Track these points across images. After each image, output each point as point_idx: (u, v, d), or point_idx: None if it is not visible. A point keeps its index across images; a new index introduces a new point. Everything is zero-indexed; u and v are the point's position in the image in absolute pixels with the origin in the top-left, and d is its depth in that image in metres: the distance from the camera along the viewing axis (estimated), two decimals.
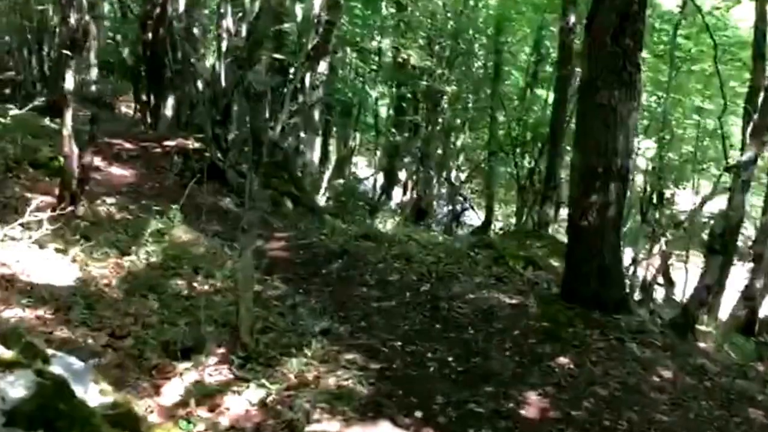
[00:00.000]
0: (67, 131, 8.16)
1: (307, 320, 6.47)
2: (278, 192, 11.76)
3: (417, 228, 14.46)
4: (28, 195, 8.98)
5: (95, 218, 8.49)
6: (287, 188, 12.37)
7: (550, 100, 17.16)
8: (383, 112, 21.95)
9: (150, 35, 13.90)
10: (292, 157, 13.88)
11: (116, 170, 11.40)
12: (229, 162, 11.16)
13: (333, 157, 21.42)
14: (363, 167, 23.94)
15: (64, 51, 7.92)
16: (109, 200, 9.60)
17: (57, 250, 7.15)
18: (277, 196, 11.63)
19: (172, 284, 6.94)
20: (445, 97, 17.45)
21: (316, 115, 17.50)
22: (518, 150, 17.97)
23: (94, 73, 11.55)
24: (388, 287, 7.34)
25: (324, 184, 18.38)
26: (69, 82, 8.13)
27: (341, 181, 20.98)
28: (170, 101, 15.04)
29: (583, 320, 6.24)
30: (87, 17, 8.22)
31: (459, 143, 21.00)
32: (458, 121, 19.93)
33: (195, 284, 7.00)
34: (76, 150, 8.33)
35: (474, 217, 21.69)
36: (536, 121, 17.78)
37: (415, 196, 18.74)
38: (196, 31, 13.70)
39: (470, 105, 19.92)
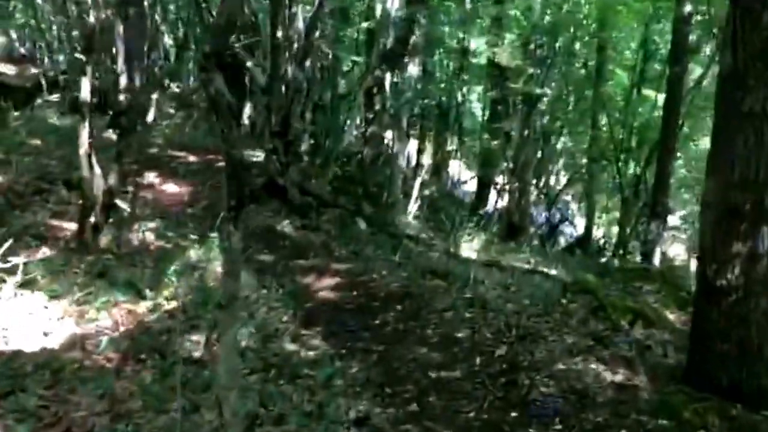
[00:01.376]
0: (83, 148, 6.77)
1: (343, 400, 4.78)
2: (348, 210, 10.14)
3: (505, 247, 12.59)
4: (53, 222, 7.70)
5: (123, 250, 7.08)
6: (360, 205, 10.75)
7: (660, 101, 14.93)
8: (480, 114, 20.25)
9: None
10: (370, 168, 12.24)
11: (171, 187, 10.06)
12: (290, 179, 9.62)
13: (428, 162, 19.80)
14: (461, 171, 22.17)
15: (77, 54, 6.56)
16: (151, 225, 8.24)
17: (51, 296, 5.73)
18: (346, 216, 10.01)
19: (186, 343, 5.40)
20: (542, 100, 15.39)
21: (404, 120, 15.91)
22: (622, 157, 15.79)
23: (122, 79, 10.21)
24: (453, 348, 5.55)
25: (415, 193, 16.80)
26: (85, 90, 6.72)
27: (434, 188, 19.40)
28: (247, 108, 13.71)
29: (719, 418, 4.30)
30: (109, 12, 6.87)
31: (558, 147, 19.00)
32: (557, 124, 17.89)
33: (214, 343, 5.42)
34: (98, 171, 6.94)
35: (573, 228, 19.60)
36: (643, 125, 15.54)
37: (506, 203, 16.79)
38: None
39: (570, 107, 17.82)
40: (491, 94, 16.47)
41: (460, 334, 5.77)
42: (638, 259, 13.96)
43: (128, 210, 7.47)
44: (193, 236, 7.69)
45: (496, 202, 18.28)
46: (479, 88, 19.18)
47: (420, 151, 20.63)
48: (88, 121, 6.68)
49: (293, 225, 9.19)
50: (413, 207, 16.84)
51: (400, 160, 16.29)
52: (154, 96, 11.71)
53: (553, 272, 8.97)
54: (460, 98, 18.80)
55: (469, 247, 11.94)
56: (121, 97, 10.09)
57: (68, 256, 6.64)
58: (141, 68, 10.79)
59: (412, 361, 5.41)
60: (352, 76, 15.11)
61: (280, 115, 9.42)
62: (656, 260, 13.84)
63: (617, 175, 15.74)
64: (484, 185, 18.26)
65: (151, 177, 10.05)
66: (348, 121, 11.60)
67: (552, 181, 20.16)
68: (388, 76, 12.73)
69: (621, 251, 14.75)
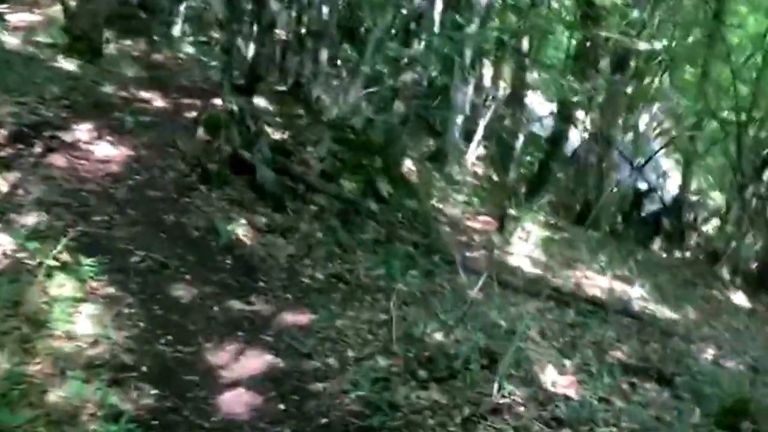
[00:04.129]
0: None
1: None
2: (345, 200, 6.66)
3: (575, 237, 9.00)
4: None
5: None
6: (374, 180, 7.28)
7: None
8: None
9: None
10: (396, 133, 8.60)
11: (104, 150, 6.74)
12: (260, 153, 6.20)
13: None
14: (540, 104, 18.22)
15: None
16: (21, 221, 4.98)
17: None
18: (346, 206, 6.57)
19: None
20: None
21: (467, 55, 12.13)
22: (743, 118, 11.69)
23: None
24: None
25: (479, 135, 13.22)
26: None
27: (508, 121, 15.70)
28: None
29: None
30: None
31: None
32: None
33: None
34: None
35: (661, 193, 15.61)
36: None
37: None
38: None
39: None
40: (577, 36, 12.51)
41: None
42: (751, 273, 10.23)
43: None
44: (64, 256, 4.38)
45: (575, 151, 14.54)
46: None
47: (495, 79, 16.96)
48: None
49: (254, 224, 5.82)
50: (474, 152, 13.34)
51: (458, 99, 12.71)
52: None
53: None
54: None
55: (526, 237, 8.43)
56: None
57: None
58: None
59: None
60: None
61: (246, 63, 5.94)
62: None
63: (736, 142, 11.69)
64: (564, 121, 14.33)
65: (82, 131, 6.79)
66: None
67: (642, 129, 16.10)
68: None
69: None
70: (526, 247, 8.31)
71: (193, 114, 7.58)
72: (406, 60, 8.02)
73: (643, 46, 12.18)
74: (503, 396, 3.76)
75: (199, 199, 5.95)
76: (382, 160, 7.51)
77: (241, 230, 5.67)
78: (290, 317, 4.68)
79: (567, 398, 3.97)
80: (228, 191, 6.14)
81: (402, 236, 6.65)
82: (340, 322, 4.66)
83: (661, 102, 15.90)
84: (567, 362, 4.67)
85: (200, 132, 6.88)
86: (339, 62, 10.95)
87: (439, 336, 4.61)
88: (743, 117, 11.64)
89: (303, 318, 4.70)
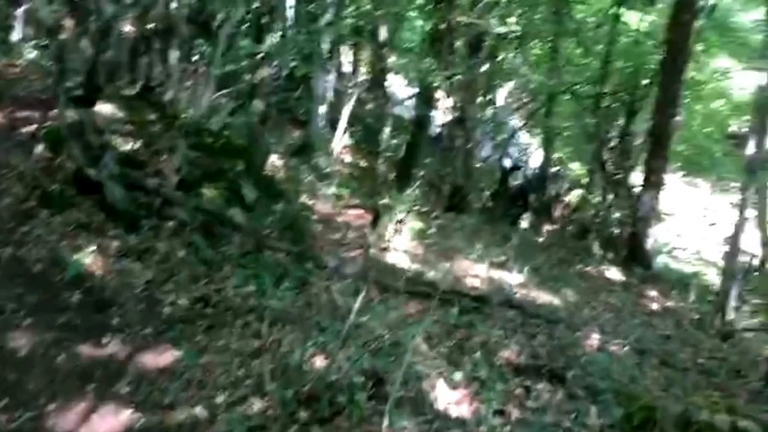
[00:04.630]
0: None
1: None
2: (204, 211, 6.01)
3: (452, 224, 8.76)
4: None
5: None
6: (238, 186, 6.67)
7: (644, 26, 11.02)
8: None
9: None
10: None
11: None
12: (107, 169, 5.46)
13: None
14: (401, 88, 17.96)
15: None
16: None
17: None
18: (208, 215, 5.94)
19: None
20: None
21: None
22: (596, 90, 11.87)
23: None
24: None
25: (343, 123, 12.78)
26: None
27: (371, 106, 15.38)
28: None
29: None
30: None
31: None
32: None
33: None
34: None
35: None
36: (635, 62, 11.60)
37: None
38: None
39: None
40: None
41: None
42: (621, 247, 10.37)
43: None
44: None
45: (440, 134, 14.42)
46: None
47: (355, 65, 16.57)
48: None
49: (105, 250, 5.12)
50: (341, 141, 12.92)
51: (319, 89, 12.24)
52: None
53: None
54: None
55: (401, 230, 8.11)
56: None
57: None
58: None
59: None
60: None
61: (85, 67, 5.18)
62: (649, 242, 10.18)
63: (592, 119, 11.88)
64: (426, 103, 14.13)
65: None
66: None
67: (501, 107, 16.22)
68: None
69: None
70: (401, 240, 7.97)
71: (32, 128, 6.68)
72: (261, 55, 7.42)
73: (494, 26, 12.13)
74: None
75: (39, 227, 5.16)
76: (244, 163, 6.91)
77: (89, 259, 4.95)
78: (150, 359, 4.06)
79: (461, 422, 3.62)
80: (73, 214, 5.37)
81: (272, 245, 6.10)
82: (207, 357, 4.09)
83: (516, 79, 16.07)
84: (457, 375, 4.32)
85: (39, 149, 6.05)
86: (192, 60, 10.17)
87: (319, 362, 4.15)
88: (596, 89, 11.84)
89: (165, 358, 4.10)
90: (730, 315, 7.80)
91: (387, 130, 12.59)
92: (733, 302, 7.86)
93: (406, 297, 5.87)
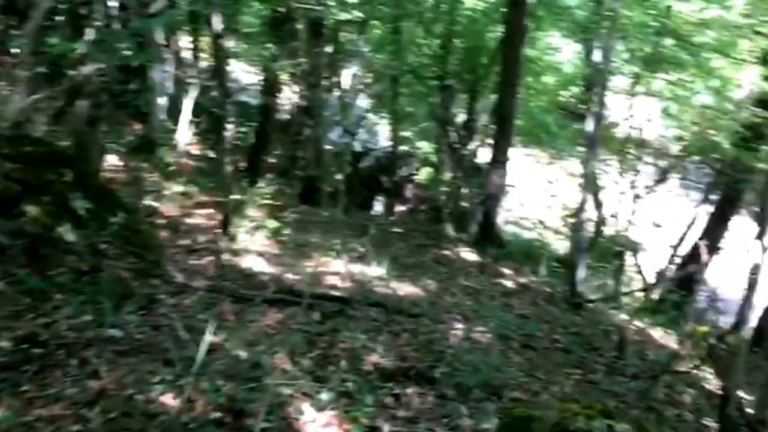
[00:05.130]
0: None
1: None
2: (29, 233, 5.27)
3: (301, 222, 8.39)
4: None
5: None
6: (67, 198, 5.93)
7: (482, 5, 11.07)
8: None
9: None
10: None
11: None
12: None
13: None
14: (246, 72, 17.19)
15: None
16: None
17: None
18: (33, 237, 5.21)
19: None
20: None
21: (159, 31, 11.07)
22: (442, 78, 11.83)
23: None
24: None
25: (187, 114, 12.08)
26: None
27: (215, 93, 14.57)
28: None
29: None
30: None
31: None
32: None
33: None
34: None
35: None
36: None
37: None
38: None
39: None
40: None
41: None
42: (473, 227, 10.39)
43: None
44: None
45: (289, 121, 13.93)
46: None
47: (195, 52, 15.65)
48: None
49: None
50: (186, 132, 12.18)
51: (157, 79, 11.49)
52: None
53: None
54: None
55: (255, 228, 7.64)
56: None
57: None
58: None
59: None
60: None
61: None
62: (499, 220, 10.26)
63: (435, 96, 11.83)
64: (271, 89, 13.59)
65: None
66: None
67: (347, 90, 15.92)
68: None
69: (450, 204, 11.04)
70: (256, 241, 7.49)
71: None
72: (81, 49, 6.63)
73: (334, 12, 11.79)
74: None
75: None
76: (73, 172, 6.14)
77: None
78: None
79: None
80: None
81: (111, 263, 5.46)
82: (35, 412, 3.49)
83: (360, 61, 15.84)
84: (324, 395, 3.97)
85: None
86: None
87: (169, 400, 3.66)
88: (438, 70, 11.81)
89: None
90: (580, 287, 7.98)
91: (232, 119, 11.96)
92: (581, 273, 8.05)
93: (266, 306, 5.44)
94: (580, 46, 13.24)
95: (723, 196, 13.00)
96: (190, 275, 6.00)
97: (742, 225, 13.86)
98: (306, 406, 3.85)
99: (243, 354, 4.41)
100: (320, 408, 3.87)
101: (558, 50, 14.60)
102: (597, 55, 8.51)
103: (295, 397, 3.96)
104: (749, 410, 4.58)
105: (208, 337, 4.13)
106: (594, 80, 8.60)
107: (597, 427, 2.89)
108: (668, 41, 11.41)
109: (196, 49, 15.64)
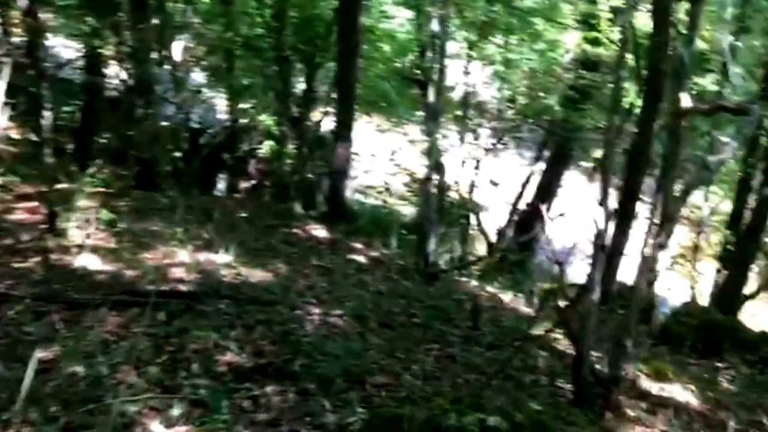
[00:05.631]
0: None
1: None
2: None
3: (139, 210, 7.82)
4: None
5: None
6: None
7: None
8: None
9: None
10: None
11: None
12: None
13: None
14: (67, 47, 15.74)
15: None
16: None
17: None
18: None
19: None
20: None
21: None
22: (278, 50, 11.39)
23: None
24: None
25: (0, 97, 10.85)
26: None
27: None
28: None
29: None
30: None
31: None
32: None
33: None
34: None
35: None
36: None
37: None
38: None
39: None
40: None
41: None
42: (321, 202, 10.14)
43: None
44: None
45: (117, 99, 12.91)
46: None
47: (5, 26, 14.11)
48: None
49: None
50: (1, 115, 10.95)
51: None
52: None
53: None
54: None
55: (87, 221, 7.00)
56: None
57: None
58: None
59: None
60: None
61: None
62: (347, 193, 10.08)
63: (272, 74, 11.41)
64: (95, 66, 12.51)
65: None
66: None
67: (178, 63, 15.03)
68: None
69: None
70: (89, 235, 6.83)
71: None
72: None
73: None
74: None
75: None
76: None
77: None
78: None
79: None
80: None
81: None
82: None
83: (190, 33, 15.00)
84: (175, 409, 3.63)
85: None
86: None
87: None
88: (275, 42, 11.37)
89: None
90: (432, 257, 8.00)
91: (52, 99, 10.90)
92: (432, 244, 8.08)
93: (104, 310, 4.94)
94: (412, 13, 13.29)
95: (554, 153, 13.65)
96: (14, 281, 5.36)
97: (573, 179, 14.68)
98: (155, 425, 3.50)
99: (80, 370, 3.96)
100: (170, 425, 3.54)
101: (392, 17, 14.56)
102: (434, 25, 8.47)
103: (143, 414, 3.59)
104: (601, 368, 4.73)
105: (38, 355, 3.66)
106: (432, 49, 8.58)
107: (469, 422, 2.79)
108: (498, 7, 11.69)
109: (5, 24, 14.14)
